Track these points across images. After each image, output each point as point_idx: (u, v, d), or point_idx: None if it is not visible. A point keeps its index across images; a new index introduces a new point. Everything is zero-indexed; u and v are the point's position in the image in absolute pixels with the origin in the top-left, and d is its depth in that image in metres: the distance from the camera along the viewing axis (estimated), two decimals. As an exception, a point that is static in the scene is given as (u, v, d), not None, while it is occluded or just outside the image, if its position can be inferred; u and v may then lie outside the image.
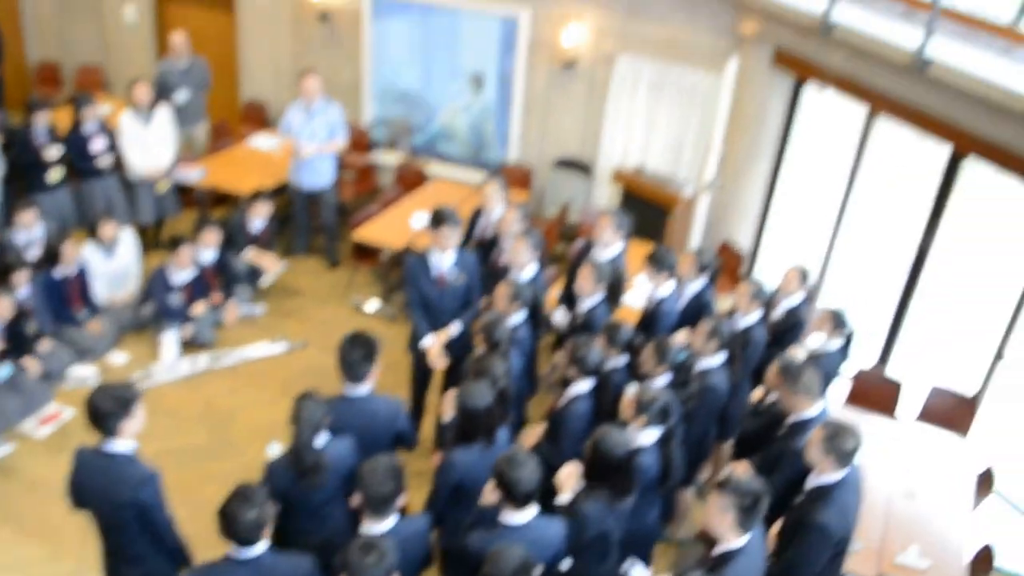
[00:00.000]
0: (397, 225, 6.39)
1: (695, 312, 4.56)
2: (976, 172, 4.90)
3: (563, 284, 5.22)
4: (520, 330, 4.17)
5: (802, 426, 3.55)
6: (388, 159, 7.67)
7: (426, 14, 7.24)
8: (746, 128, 6.45)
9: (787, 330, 4.59)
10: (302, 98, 6.36)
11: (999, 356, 4.89)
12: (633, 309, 5.15)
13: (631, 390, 3.52)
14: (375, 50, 7.56)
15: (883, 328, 5.50)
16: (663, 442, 3.39)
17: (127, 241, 5.90)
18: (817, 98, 6.06)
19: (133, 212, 6.55)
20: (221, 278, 6.00)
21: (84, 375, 5.36)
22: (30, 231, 5.62)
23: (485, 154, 7.65)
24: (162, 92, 6.85)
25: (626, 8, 6.72)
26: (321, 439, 3.13)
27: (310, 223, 6.93)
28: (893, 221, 5.58)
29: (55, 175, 6.17)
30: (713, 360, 4.02)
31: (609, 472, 3.07)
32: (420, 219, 6.25)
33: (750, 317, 4.44)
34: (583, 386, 3.76)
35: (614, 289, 4.57)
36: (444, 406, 3.60)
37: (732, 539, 2.83)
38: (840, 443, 3.11)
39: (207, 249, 5.85)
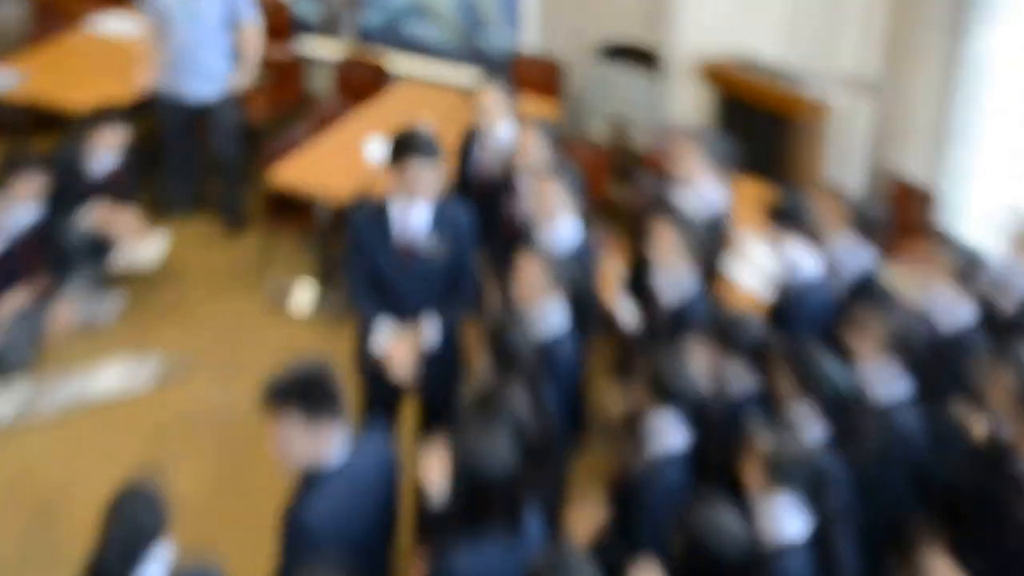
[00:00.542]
0: (340, 160, 6.40)
1: (857, 300, 4.47)
2: None
3: (625, 256, 5.31)
4: (557, 336, 4.27)
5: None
6: (323, 50, 7.80)
7: None
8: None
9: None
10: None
11: None
12: (747, 294, 5.20)
13: (759, 440, 3.45)
14: None
15: None
16: (819, 534, 3.32)
17: None
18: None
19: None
20: (44, 256, 5.86)
21: None
22: None
23: (481, 39, 7.67)
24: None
25: None
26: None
27: (195, 159, 7.02)
28: None
29: None
30: (895, 386, 3.91)
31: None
32: (377, 149, 6.28)
33: (956, 310, 4.32)
34: (673, 432, 3.73)
35: (711, 261, 4.65)
36: (426, 469, 3.66)
37: None
38: None
39: (20, 206, 5.67)
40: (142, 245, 6.16)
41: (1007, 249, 4.69)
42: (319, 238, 6.49)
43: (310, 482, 3.23)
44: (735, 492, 3.44)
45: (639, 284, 4.85)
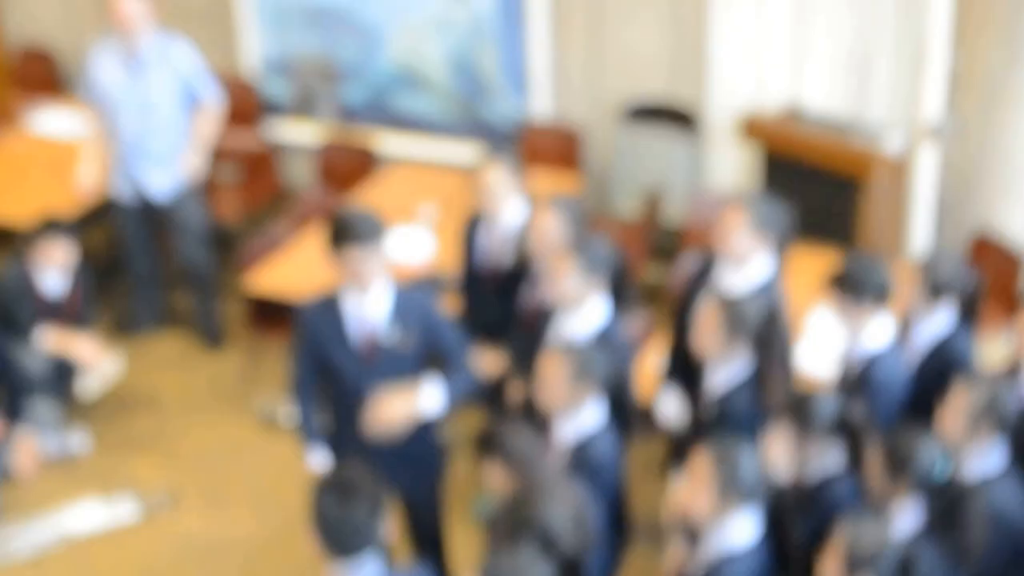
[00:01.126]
0: (326, 259, 6.38)
1: (940, 373, 4.64)
2: None
3: (668, 343, 5.38)
4: (592, 434, 4.31)
5: None
6: (299, 134, 7.91)
7: None
8: (1000, 10, 6.34)
9: None
10: (116, 34, 6.55)
11: None
12: (813, 377, 5.27)
13: (842, 529, 3.54)
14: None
15: None
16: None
17: None
18: None
19: None
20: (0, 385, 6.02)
21: None
22: None
23: (483, 108, 7.75)
24: None
25: None
26: None
27: (160, 268, 7.12)
28: None
29: None
30: (986, 460, 4.05)
31: None
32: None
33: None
34: (742, 529, 3.78)
35: (767, 342, 4.62)
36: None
37: None
38: None
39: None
40: (94, 370, 6.23)
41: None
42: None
43: None
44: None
45: (684, 373, 4.93)
